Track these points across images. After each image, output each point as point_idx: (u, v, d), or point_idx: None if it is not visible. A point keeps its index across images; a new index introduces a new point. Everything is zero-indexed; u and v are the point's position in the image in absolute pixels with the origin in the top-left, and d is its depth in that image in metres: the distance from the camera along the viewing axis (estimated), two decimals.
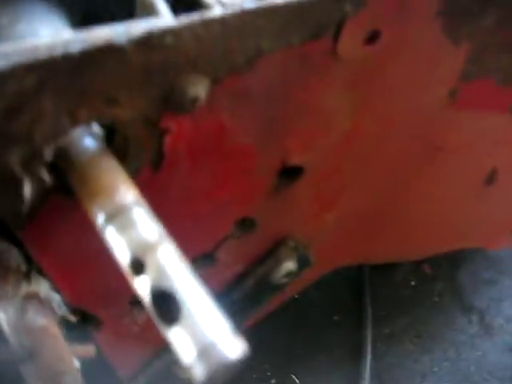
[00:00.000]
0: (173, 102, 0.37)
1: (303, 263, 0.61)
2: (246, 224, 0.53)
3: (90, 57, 0.30)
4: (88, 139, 0.37)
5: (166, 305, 0.32)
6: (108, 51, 0.30)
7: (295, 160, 0.49)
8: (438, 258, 0.77)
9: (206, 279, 0.52)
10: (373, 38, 0.44)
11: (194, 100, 0.37)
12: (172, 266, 0.32)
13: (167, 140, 0.39)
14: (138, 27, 0.31)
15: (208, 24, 0.33)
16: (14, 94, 0.30)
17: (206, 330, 0.31)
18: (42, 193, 0.36)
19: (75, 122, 0.34)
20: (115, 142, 0.37)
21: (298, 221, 0.57)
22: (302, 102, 0.45)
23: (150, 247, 0.33)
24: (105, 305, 0.48)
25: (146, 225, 0.34)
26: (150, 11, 0.37)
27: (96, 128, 0.38)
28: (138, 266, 0.33)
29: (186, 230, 0.50)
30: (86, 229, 0.39)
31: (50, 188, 0.36)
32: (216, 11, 0.33)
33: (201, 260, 0.53)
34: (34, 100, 0.31)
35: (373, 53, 0.45)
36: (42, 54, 0.29)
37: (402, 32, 0.45)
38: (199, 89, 0.37)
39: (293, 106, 0.44)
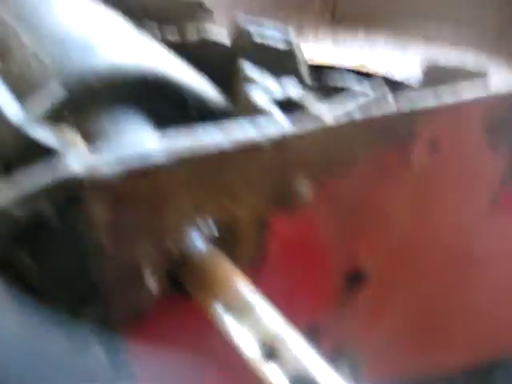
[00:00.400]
0: (281, 200, 0.39)
1: (355, 376, 0.61)
2: (310, 332, 0.53)
3: (235, 154, 0.32)
4: (197, 235, 0.38)
5: None
6: (251, 150, 0.33)
7: (361, 264, 0.51)
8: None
9: None
10: (434, 148, 0.49)
11: (300, 199, 0.40)
12: (304, 352, 0.32)
13: (268, 239, 0.41)
14: (271, 129, 0.34)
15: (325, 130, 0.37)
16: (161, 187, 0.32)
17: None
18: (156, 290, 0.37)
19: (199, 215, 0.35)
20: (224, 240, 0.39)
21: (354, 330, 0.57)
22: (375, 206, 0.48)
23: (277, 334, 0.33)
24: None
25: (267, 312, 0.34)
26: (256, 112, 0.40)
27: (204, 226, 0.40)
28: (269, 353, 0.33)
29: None
30: (189, 333, 0.39)
31: (164, 285, 0.37)
32: (328, 119, 0.37)
33: None
34: (171, 192, 0.33)
35: (432, 162, 0.49)
36: (195, 150, 0.31)
37: (456, 143, 0.50)
38: (305, 189, 0.39)
39: (367, 210, 0.47)
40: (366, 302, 0.57)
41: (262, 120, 0.36)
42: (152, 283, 0.35)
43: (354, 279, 0.54)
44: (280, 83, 0.42)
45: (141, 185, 0.30)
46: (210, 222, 0.39)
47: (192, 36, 0.54)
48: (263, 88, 0.41)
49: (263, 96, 0.40)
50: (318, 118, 0.37)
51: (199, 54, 0.52)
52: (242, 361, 0.34)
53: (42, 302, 0.33)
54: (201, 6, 0.54)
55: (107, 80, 0.41)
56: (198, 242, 0.37)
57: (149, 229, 0.33)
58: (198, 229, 0.38)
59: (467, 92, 0.48)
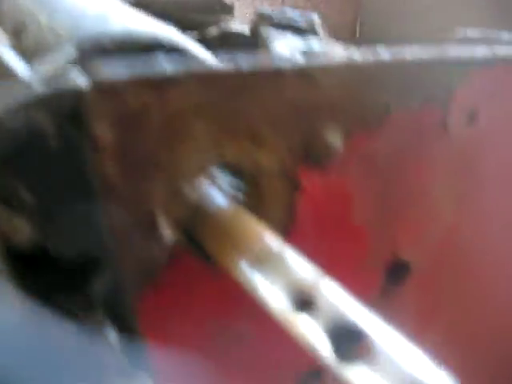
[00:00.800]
0: (310, 151, 0.35)
1: None
2: None
3: (256, 78, 0.29)
4: (218, 190, 0.35)
5: (346, 342, 0.27)
6: (272, 76, 0.30)
7: (403, 254, 0.46)
8: None
9: None
10: (472, 118, 0.45)
11: (330, 152, 0.36)
12: (344, 300, 0.28)
13: (298, 199, 0.37)
14: (299, 59, 0.32)
15: (353, 67, 0.34)
16: (172, 105, 0.29)
17: (407, 367, 0.25)
18: (172, 243, 0.33)
19: (220, 157, 0.32)
20: (249, 197, 0.35)
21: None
22: (413, 180, 0.44)
23: (311, 283, 0.28)
24: None
25: (300, 263, 0.30)
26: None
27: (224, 182, 0.36)
28: (302, 303, 0.28)
29: None
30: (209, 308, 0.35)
31: (181, 242, 0.33)
32: (357, 56, 0.35)
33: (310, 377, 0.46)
34: (189, 120, 0.30)
35: (472, 135, 0.45)
36: (211, 68, 0.29)
37: (496, 116, 0.46)
38: (335, 140, 0.36)
39: (405, 185, 0.43)
40: (409, 302, 0.51)
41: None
42: (167, 234, 0.31)
43: (396, 270, 0.49)
44: (304, 40, 0.40)
45: (150, 99, 0.27)
46: (234, 176, 0.36)
47: (212, 31, 0.53)
48: (286, 43, 0.38)
49: (286, 48, 0.38)
50: (344, 57, 0.34)
51: (219, 46, 0.51)
52: (272, 317, 0.29)
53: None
54: (220, 2, 0.53)
55: (121, 43, 0.39)
56: (219, 197, 0.34)
57: (162, 164, 0.30)
58: (221, 184, 0.35)
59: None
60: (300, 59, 0.31)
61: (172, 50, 0.39)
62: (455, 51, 0.39)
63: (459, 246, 0.48)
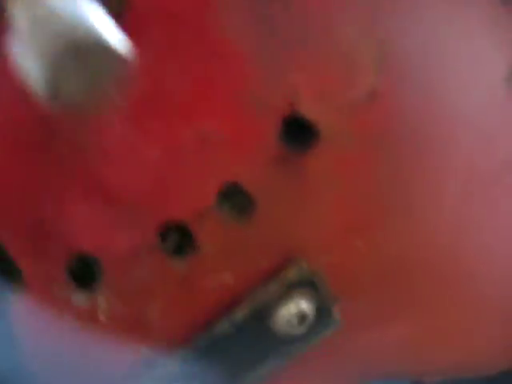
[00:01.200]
0: None
1: (323, 312, 0.44)
2: (237, 196, 0.40)
3: None
4: None
5: None
6: None
7: (307, 110, 0.39)
8: None
9: (185, 284, 0.40)
10: None
11: None
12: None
13: None
14: None
15: None
16: None
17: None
18: None
19: None
20: None
21: (316, 234, 0.42)
22: (307, 8, 0.37)
23: None
24: (31, 242, 0.36)
25: None
26: None
27: None
28: None
29: None
30: None
31: None
32: None
33: (175, 236, 0.40)
34: None
35: None
36: None
37: None
38: None
39: (296, 9, 0.37)
40: (327, 185, 0.42)
41: None
42: None
43: (301, 136, 0.40)
44: None
45: None
46: None
47: None
48: None
49: None
50: None
51: None
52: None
53: None
54: None
55: None
56: None
57: None
58: None
59: None
60: None
61: None
62: None
63: (391, 122, 0.40)
